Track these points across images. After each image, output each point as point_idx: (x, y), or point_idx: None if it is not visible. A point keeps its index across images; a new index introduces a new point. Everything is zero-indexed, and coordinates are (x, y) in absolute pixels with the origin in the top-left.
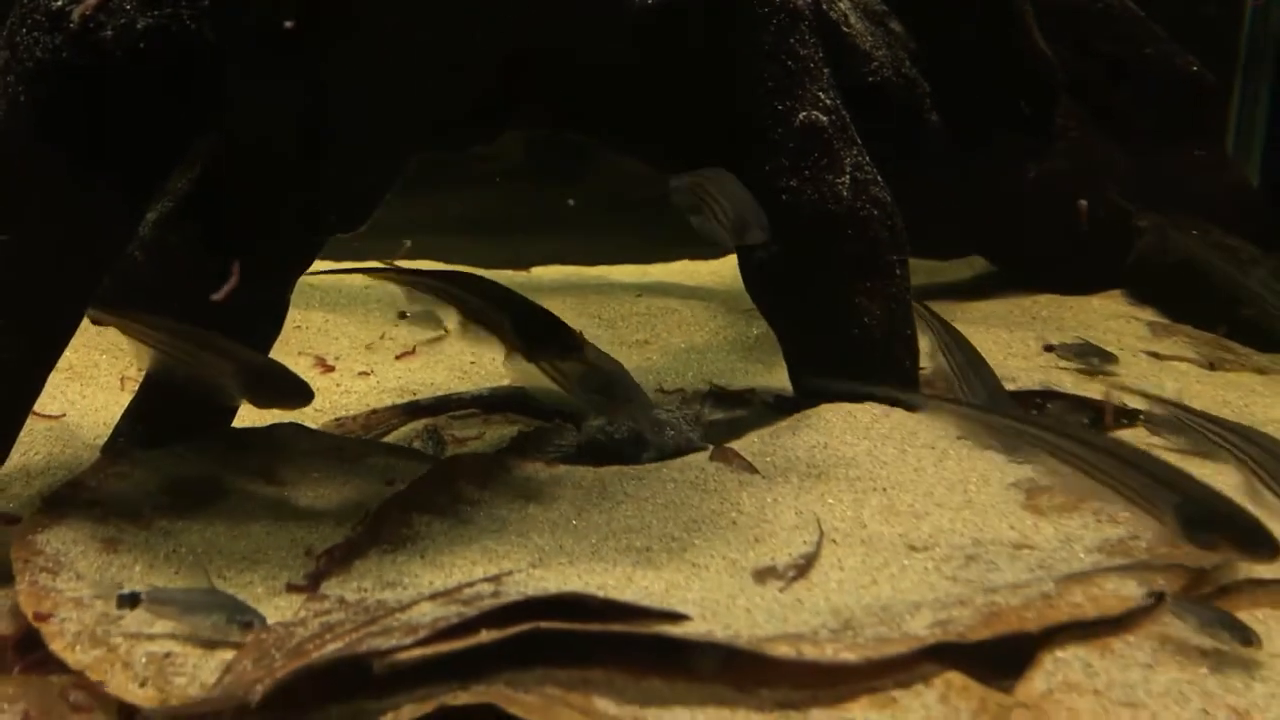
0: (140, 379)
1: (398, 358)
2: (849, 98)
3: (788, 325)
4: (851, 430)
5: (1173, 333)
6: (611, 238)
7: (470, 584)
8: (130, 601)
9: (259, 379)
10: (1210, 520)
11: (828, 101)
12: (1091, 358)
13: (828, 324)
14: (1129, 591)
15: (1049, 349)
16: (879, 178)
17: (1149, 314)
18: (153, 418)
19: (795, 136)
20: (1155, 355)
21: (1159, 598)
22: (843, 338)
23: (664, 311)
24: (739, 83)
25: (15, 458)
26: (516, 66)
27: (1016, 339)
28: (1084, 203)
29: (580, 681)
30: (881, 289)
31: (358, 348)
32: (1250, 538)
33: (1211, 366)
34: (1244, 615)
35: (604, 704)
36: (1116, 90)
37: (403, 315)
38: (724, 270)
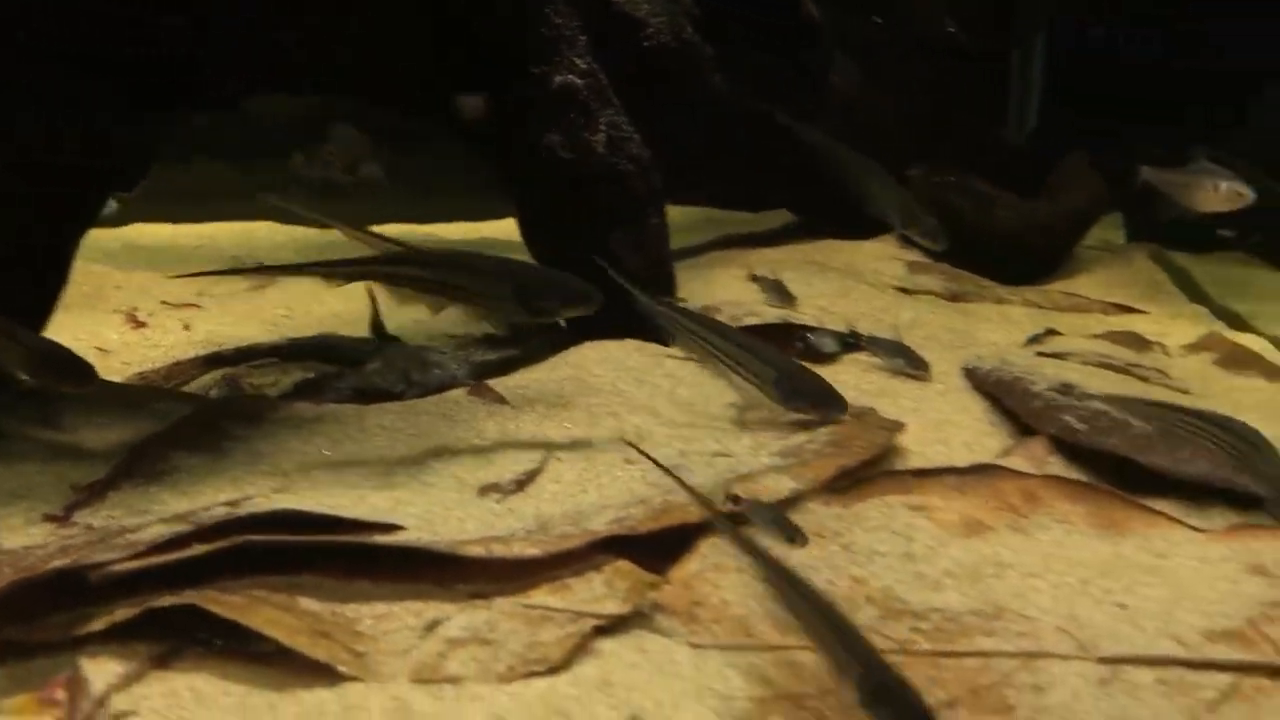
0: None
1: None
2: (626, 63)
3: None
4: (601, 364)
5: (928, 270)
6: (451, 198)
7: (207, 508)
8: None
9: (42, 361)
10: (797, 390)
11: (583, 66)
12: (778, 294)
13: (588, 270)
14: (782, 486)
15: (754, 279)
16: (636, 136)
17: (912, 255)
18: None
19: (553, 99)
20: (904, 290)
21: (735, 500)
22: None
23: None
24: (501, 50)
25: None
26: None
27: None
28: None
29: (288, 586)
30: (637, 237)
31: (173, 305)
32: (825, 401)
33: (954, 298)
34: (875, 502)
35: (308, 602)
36: (890, 51)
37: None
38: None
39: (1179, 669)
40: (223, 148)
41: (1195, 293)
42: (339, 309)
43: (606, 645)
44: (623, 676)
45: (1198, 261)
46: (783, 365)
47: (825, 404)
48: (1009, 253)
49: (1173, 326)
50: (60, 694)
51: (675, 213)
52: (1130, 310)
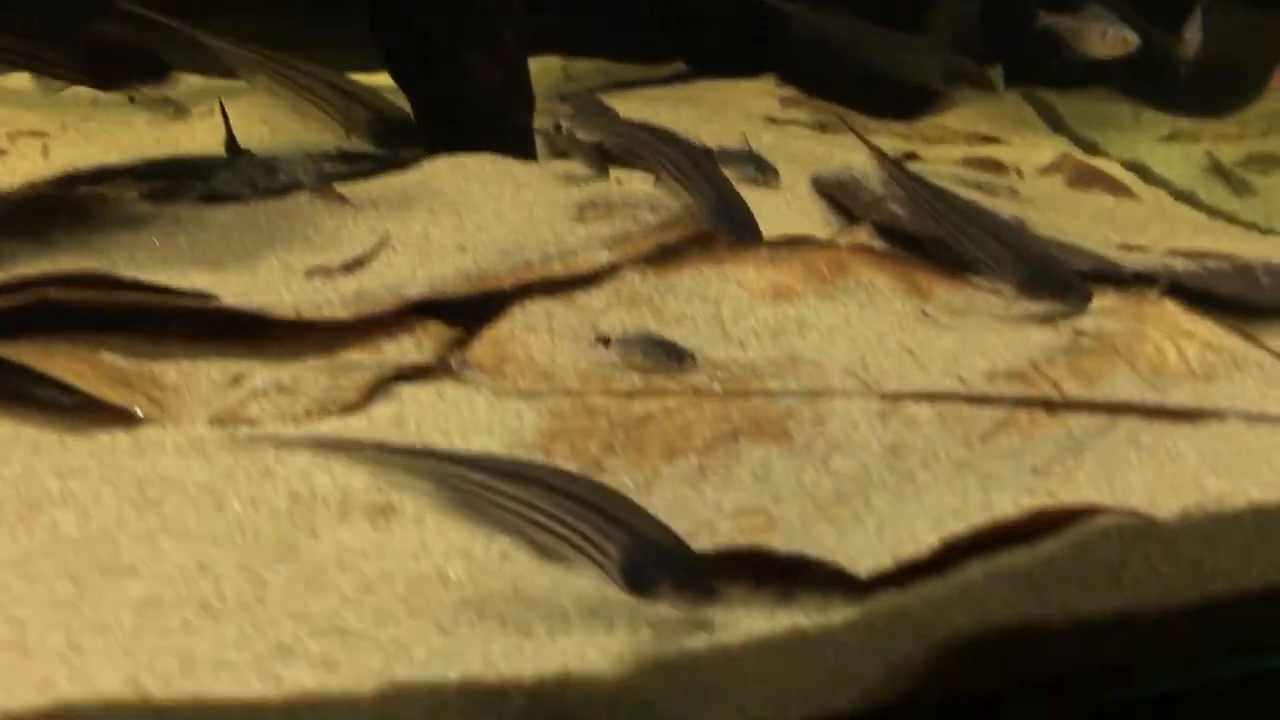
0: None
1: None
2: None
3: (417, 94)
4: (452, 172)
5: (799, 105)
6: None
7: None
8: None
9: None
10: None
11: None
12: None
13: (449, 88)
14: (598, 259)
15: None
16: None
17: (788, 92)
18: None
19: None
20: (772, 119)
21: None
22: (462, 97)
23: None
24: None
25: None
26: None
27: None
28: None
29: (92, 343)
30: (498, 54)
31: (33, 134)
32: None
33: (821, 128)
34: (689, 272)
35: (111, 357)
36: None
37: None
38: None
39: (957, 404)
40: None
41: (1059, 126)
42: (203, 140)
43: (406, 391)
44: (417, 414)
45: (1064, 98)
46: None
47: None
48: (881, 89)
49: (1031, 153)
50: None
51: (571, 66)
52: (993, 140)
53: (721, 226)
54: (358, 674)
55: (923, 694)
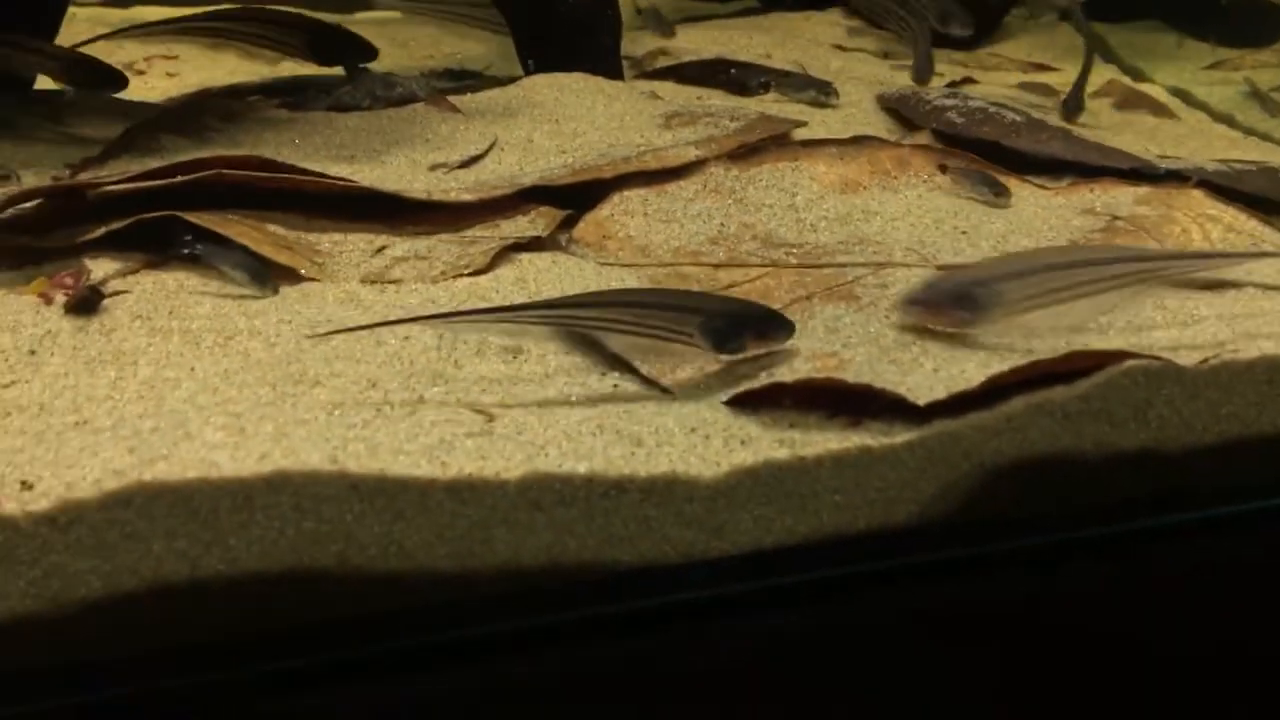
0: None
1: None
2: None
3: (515, 17)
4: (549, 87)
5: (865, 34)
6: None
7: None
8: None
9: (77, 68)
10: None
11: None
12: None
13: (542, 11)
14: (688, 154)
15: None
16: None
17: (854, 23)
18: None
19: None
20: (840, 47)
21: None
22: (555, 21)
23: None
24: None
25: None
26: None
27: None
28: None
29: (258, 216)
30: None
31: (163, 57)
32: None
33: (885, 56)
34: (767, 167)
35: (274, 228)
36: None
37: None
38: None
39: None
40: None
41: (1108, 55)
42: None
43: (525, 257)
44: (535, 276)
45: (1114, 29)
46: None
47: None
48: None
49: None
50: (68, 280)
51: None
52: (1046, 68)
53: None
54: (506, 465)
55: (970, 511)
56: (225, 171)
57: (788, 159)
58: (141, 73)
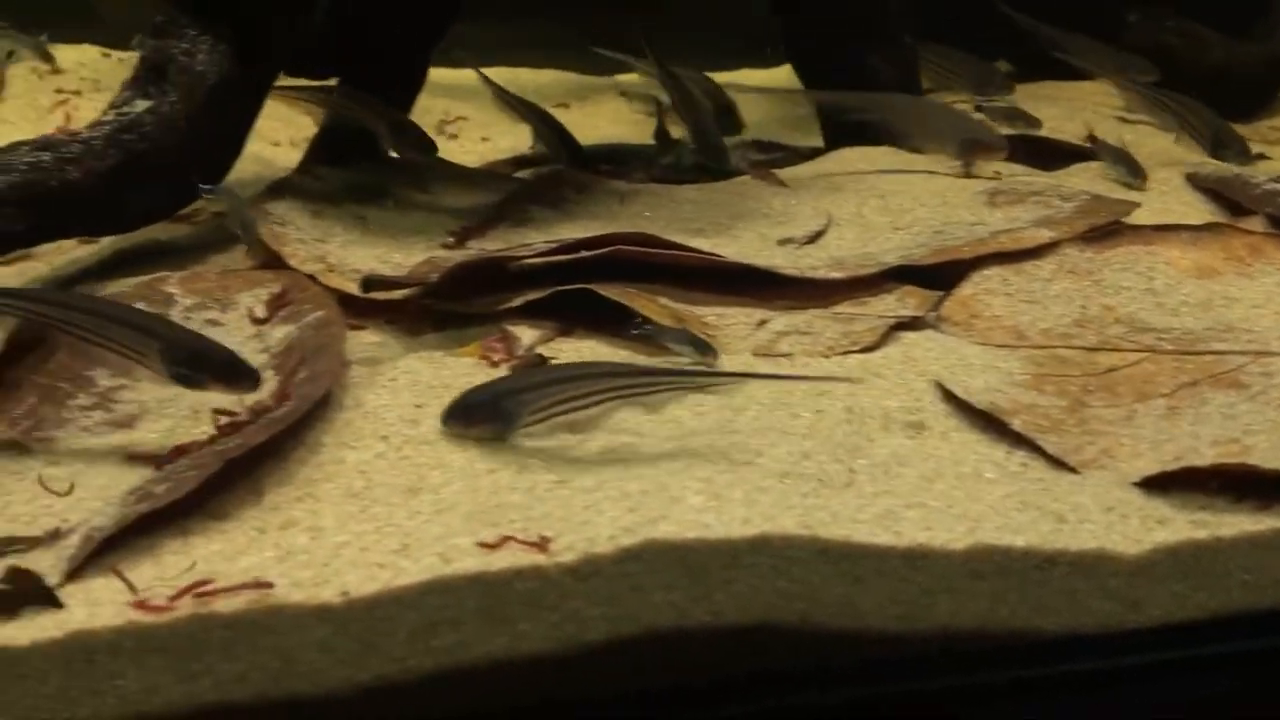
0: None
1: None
2: None
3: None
4: (862, 161)
5: None
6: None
7: (573, 239)
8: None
9: (400, 132)
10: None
11: None
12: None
13: (852, 84)
14: (1041, 236)
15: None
16: None
17: None
18: (329, 149)
19: None
20: (1123, 119)
21: None
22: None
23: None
24: None
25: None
26: None
27: None
28: None
29: (648, 288)
30: (895, 55)
31: (476, 124)
32: None
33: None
34: (1120, 250)
35: (664, 300)
36: None
37: None
38: (776, 78)
39: None
40: None
41: None
42: (608, 131)
43: (906, 336)
44: (922, 355)
45: None
46: None
47: None
48: (1218, 90)
49: None
50: (497, 345)
51: None
52: None
53: None
54: (950, 536)
55: None
56: (622, 247)
57: (1141, 243)
58: (454, 136)
